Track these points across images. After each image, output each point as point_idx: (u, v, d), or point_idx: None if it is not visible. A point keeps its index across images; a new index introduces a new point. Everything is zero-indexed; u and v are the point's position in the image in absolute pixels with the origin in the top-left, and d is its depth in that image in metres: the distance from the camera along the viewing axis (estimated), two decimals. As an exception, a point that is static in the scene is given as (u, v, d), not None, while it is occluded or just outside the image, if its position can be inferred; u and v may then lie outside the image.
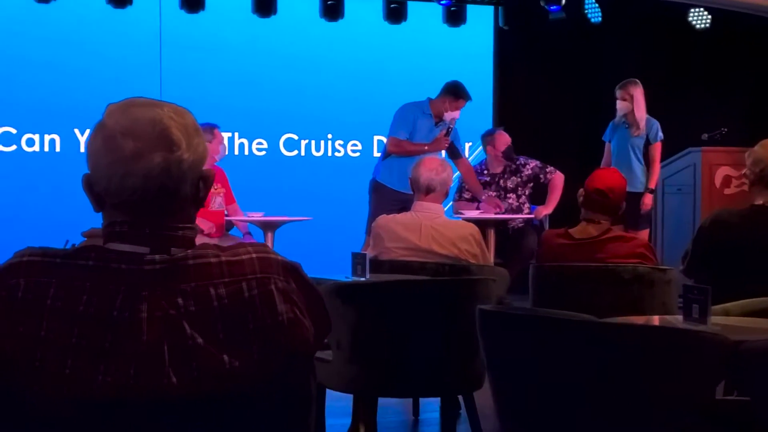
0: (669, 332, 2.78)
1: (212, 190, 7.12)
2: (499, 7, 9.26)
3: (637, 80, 7.55)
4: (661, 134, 7.57)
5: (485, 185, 7.88)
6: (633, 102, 7.49)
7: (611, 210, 4.47)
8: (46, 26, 8.26)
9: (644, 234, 7.43)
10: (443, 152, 7.38)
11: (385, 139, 7.68)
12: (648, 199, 7.56)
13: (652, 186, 7.58)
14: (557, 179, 7.85)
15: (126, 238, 1.74)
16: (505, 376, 2.75)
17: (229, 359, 1.68)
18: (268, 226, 7.23)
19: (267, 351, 1.71)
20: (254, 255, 1.77)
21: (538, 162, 7.93)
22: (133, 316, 1.67)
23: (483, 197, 7.73)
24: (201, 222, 6.92)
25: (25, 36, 8.23)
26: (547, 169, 7.90)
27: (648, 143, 7.56)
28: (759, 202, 4.18)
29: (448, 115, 7.31)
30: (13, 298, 1.67)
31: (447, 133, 7.30)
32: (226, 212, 7.31)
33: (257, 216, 7.39)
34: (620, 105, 7.55)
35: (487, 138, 8.04)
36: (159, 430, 1.68)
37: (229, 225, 7.42)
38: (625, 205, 4.63)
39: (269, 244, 7.14)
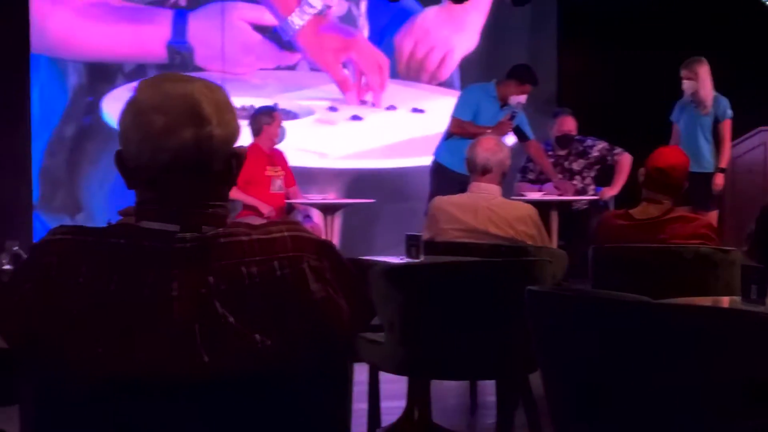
0: (724, 313, 2.70)
1: (273, 172, 7.28)
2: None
3: (703, 58, 7.38)
4: (730, 112, 7.40)
5: (550, 167, 7.80)
6: (698, 81, 7.34)
7: (673, 189, 4.37)
8: None
9: (713, 215, 7.28)
10: (510, 136, 7.33)
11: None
12: (719, 180, 7.39)
13: (723, 165, 7.41)
14: (624, 160, 7.74)
15: (157, 216, 1.73)
16: (553, 359, 2.70)
17: (261, 338, 1.66)
18: (328, 209, 7.23)
19: (299, 330, 1.69)
20: (287, 233, 1.74)
21: (606, 143, 7.83)
22: (164, 294, 1.65)
23: (555, 180, 7.64)
24: (260, 205, 6.94)
25: None
26: (615, 151, 7.79)
27: (717, 121, 7.39)
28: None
29: (514, 99, 7.25)
30: (45, 276, 1.67)
31: (511, 118, 7.24)
32: (287, 195, 7.32)
33: (318, 198, 7.39)
34: (686, 84, 7.41)
35: (551, 121, 7.97)
36: (190, 409, 1.67)
37: (290, 208, 7.42)
38: (695, 186, 4.52)
39: (330, 227, 7.15)
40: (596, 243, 4.46)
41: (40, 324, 1.65)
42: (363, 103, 8.99)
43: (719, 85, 7.47)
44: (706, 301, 3.48)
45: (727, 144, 7.45)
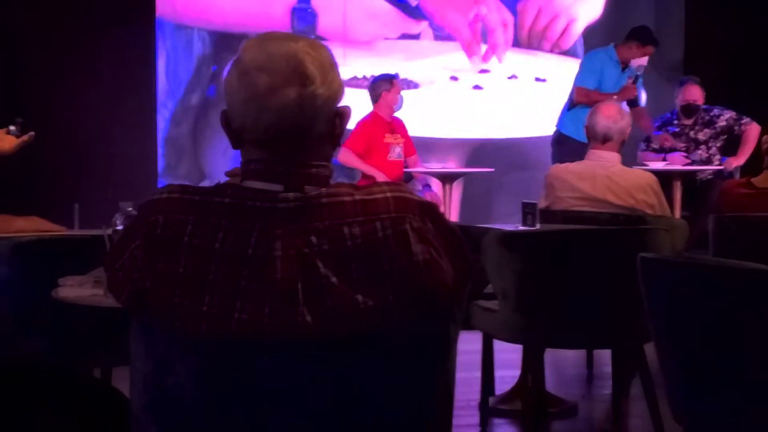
0: None
1: (392, 139, 7.30)
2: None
3: None
4: None
5: (675, 136, 7.62)
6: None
7: None
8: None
9: None
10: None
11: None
12: None
13: None
14: (752, 130, 7.51)
15: (261, 176, 1.74)
16: (666, 328, 2.65)
17: (363, 299, 1.67)
18: (447, 178, 7.22)
19: (402, 292, 1.69)
20: (389, 194, 1.74)
21: (733, 113, 7.61)
22: (267, 254, 1.67)
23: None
24: (378, 175, 6.97)
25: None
26: (743, 121, 7.57)
27: None
28: None
29: (635, 62, 7.12)
30: (152, 234, 1.70)
31: (634, 81, 7.10)
32: (405, 164, 7.33)
33: (436, 167, 7.38)
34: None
35: (677, 89, 7.79)
36: (294, 369, 1.68)
37: (409, 177, 7.43)
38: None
39: (449, 196, 7.14)
40: (718, 212, 4.36)
41: (146, 281, 1.68)
42: (484, 71, 8.92)
43: None
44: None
45: None
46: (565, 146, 7.07)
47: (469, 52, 8.89)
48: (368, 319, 1.67)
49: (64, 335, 3.30)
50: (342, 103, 1.80)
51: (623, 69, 7.17)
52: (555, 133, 7.35)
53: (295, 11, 8.50)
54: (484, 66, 8.87)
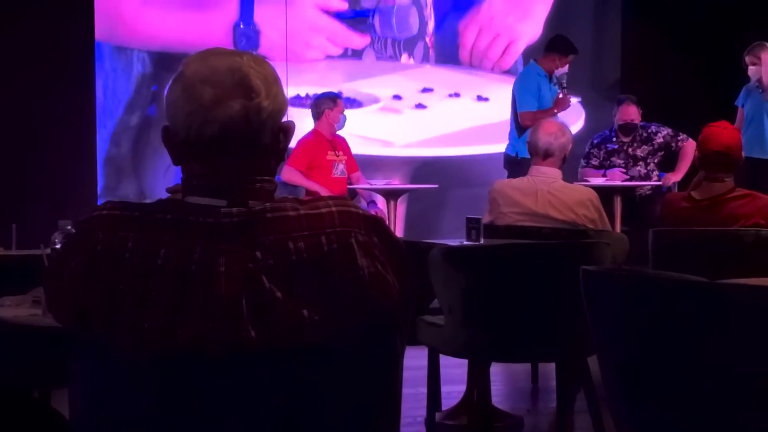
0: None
1: (334, 156, 7.30)
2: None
3: (765, 43, 7.26)
4: None
5: (614, 153, 7.72)
6: (762, 65, 7.21)
7: (733, 166, 4.35)
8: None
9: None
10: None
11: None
12: (785, 166, 7.26)
13: (789, 151, 7.28)
14: (689, 147, 7.62)
15: (204, 191, 1.73)
16: (607, 340, 2.67)
17: (308, 313, 1.65)
18: (391, 195, 7.23)
19: (348, 306, 1.68)
20: (334, 208, 1.73)
21: (670, 130, 7.73)
22: (211, 269, 1.65)
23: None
24: (321, 190, 6.96)
25: None
26: (679, 137, 7.69)
27: (783, 107, 7.28)
28: None
29: (559, 72, 7.22)
30: (92, 251, 1.67)
31: (562, 89, 7.21)
32: (349, 180, 7.33)
33: (380, 184, 7.39)
34: (751, 70, 7.31)
35: (615, 108, 7.89)
36: (237, 384, 1.67)
37: (353, 194, 7.44)
38: (760, 172, 4.47)
39: (393, 213, 7.15)
40: (661, 225, 4.42)
41: (87, 299, 1.66)
42: (427, 90, 8.97)
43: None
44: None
45: (794, 129, 7.31)
46: (523, 165, 7.15)
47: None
48: (314, 333, 1.66)
49: (1, 356, 3.24)
50: (288, 105, 1.80)
51: (549, 80, 7.29)
52: (507, 156, 7.41)
53: (236, 29, 8.48)
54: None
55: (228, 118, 1.70)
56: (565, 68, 7.24)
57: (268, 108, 1.73)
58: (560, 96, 7.20)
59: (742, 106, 7.46)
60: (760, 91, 7.31)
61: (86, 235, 1.70)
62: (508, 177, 7.17)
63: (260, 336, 1.64)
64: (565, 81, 7.23)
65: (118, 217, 1.69)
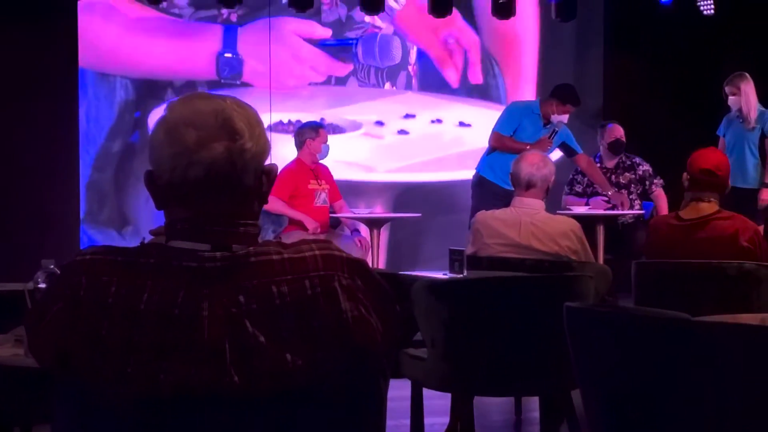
0: (755, 330, 2.65)
1: (317, 185, 7.30)
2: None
3: (745, 73, 7.32)
4: None
5: (597, 179, 7.76)
6: (742, 95, 7.27)
7: (720, 187, 4.42)
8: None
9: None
10: (556, 151, 7.34)
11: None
12: (765, 195, 7.30)
13: (767, 180, 7.33)
14: (660, 195, 7.72)
15: (187, 236, 1.72)
16: (590, 376, 2.68)
17: (292, 358, 1.65)
18: (374, 223, 7.23)
19: (331, 350, 1.68)
20: (317, 252, 1.73)
21: (649, 168, 7.80)
22: (194, 314, 1.65)
23: (610, 192, 7.59)
24: (305, 219, 6.96)
25: None
26: (655, 180, 7.76)
27: (763, 136, 7.32)
28: None
29: (555, 118, 7.27)
30: (75, 296, 1.67)
31: (551, 136, 7.24)
32: (331, 209, 7.33)
33: (363, 213, 7.40)
34: (731, 100, 7.37)
35: (599, 131, 7.93)
36: (220, 429, 1.66)
37: (336, 222, 7.43)
38: (740, 201, 4.52)
39: (376, 241, 7.15)
40: (648, 250, 4.45)
41: (69, 344, 1.66)
42: (410, 116, 8.99)
43: (764, 100, 7.38)
44: (752, 319, 3.43)
45: (773, 159, 7.36)
46: (484, 189, 7.24)
47: (443, 66, 8.97)
48: (297, 377, 1.66)
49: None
50: (270, 148, 1.80)
51: (545, 124, 7.31)
52: (475, 176, 7.46)
53: (220, 58, 8.49)
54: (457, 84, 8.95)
55: (212, 159, 1.70)
56: (564, 118, 7.27)
57: (252, 149, 1.74)
58: (544, 138, 7.23)
59: (724, 136, 7.51)
60: (741, 120, 7.36)
61: (69, 279, 1.70)
62: (472, 196, 7.26)
63: (243, 380, 1.63)
64: (558, 129, 7.27)
65: (102, 262, 1.69)
